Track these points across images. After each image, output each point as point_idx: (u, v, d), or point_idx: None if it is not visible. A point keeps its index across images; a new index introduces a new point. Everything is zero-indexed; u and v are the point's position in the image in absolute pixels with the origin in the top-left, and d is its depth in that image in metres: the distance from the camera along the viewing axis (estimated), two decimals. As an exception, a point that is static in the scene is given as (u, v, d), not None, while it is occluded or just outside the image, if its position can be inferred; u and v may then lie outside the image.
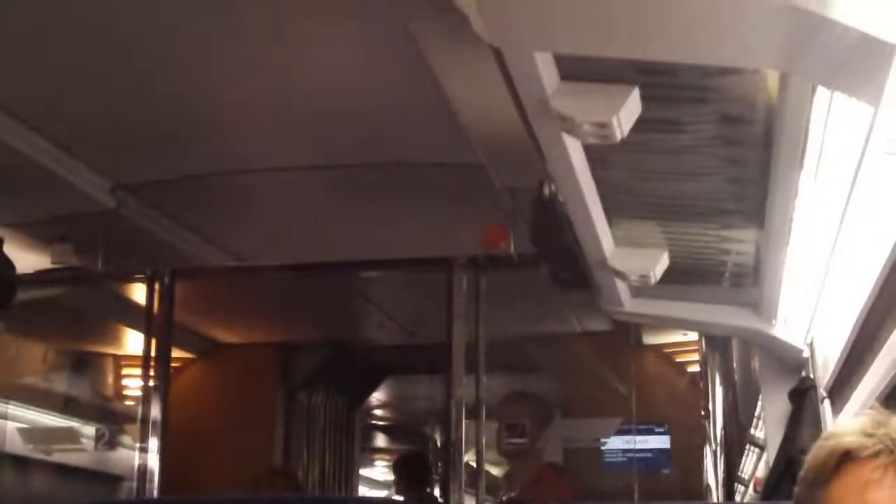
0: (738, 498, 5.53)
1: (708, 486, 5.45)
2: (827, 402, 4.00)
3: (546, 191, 3.37)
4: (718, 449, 5.39)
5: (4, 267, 4.49)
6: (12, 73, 3.71)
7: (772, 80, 2.00)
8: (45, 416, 6.16)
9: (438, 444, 9.92)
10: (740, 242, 3.14)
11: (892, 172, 2.43)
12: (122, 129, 4.23)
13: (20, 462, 5.95)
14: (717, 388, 5.35)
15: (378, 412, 10.30)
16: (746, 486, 5.62)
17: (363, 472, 10.55)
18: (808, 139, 2.21)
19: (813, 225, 2.90)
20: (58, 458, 5.93)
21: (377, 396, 9.43)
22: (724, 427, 5.42)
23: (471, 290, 5.25)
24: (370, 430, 10.54)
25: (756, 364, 4.54)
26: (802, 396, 4.03)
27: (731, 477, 5.43)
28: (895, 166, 2.40)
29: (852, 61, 1.51)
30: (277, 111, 4.02)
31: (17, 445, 5.69)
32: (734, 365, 5.20)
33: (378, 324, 7.15)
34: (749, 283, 3.56)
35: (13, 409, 5.86)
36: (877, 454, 1.62)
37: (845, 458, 1.66)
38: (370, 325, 7.31)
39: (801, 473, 1.75)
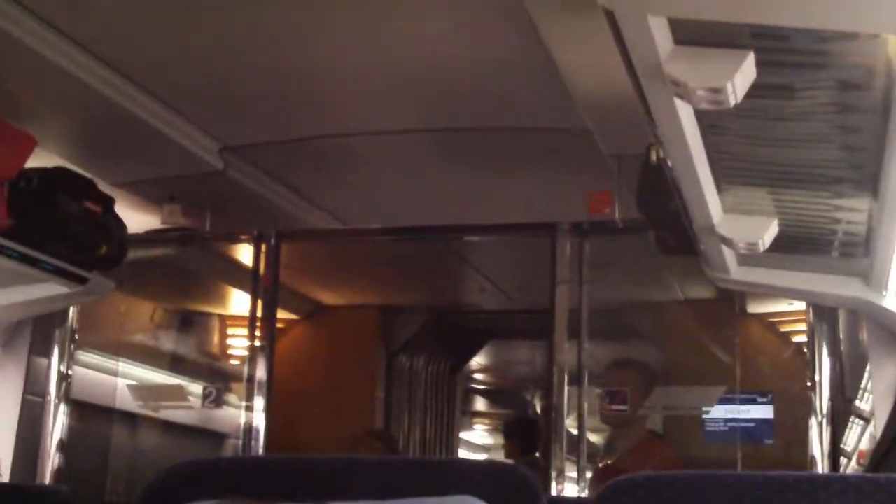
0: (841, 471, 5.46)
1: (812, 457, 5.37)
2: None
3: (654, 156, 3.33)
4: (823, 420, 5.32)
5: (115, 227, 4.58)
6: (124, 35, 3.77)
7: (892, 45, 1.96)
8: (154, 373, 6.29)
9: (538, 409, 9.94)
10: (852, 211, 3.08)
11: None
12: (231, 92, 4.28)
13: (130, 418, 6.08)
14: (824, 358, 5.27)
15: (478, 376, 10.35)
16: (849, 459, 5.54)
17: (463, 435, 10.62)
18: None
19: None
20: (165, 414, 6.05)
21: (478, 361, 9.47)
22: (830, 398, 5.34)
23: (574, 256, 5.24)
24: (470, 393, 10.60)
25: (864, 335, 4.47)
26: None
27: (836, 449, 5.36)
28: None
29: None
30: (384, 74, 4.03)
31: (127, 402, 5.81)
32: (841, 336, 5.12)
33: (480, 288, 7.16)
34: (860, 252, 3.50)
35: (123, 366, 5.99)
36: None
37: None
38: (472, 289, 7.33)
39: None
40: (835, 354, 5.14)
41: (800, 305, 5.52)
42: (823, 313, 5.05)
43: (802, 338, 5.56)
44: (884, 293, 3.73)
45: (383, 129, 4.58)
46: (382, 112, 4.44)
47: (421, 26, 3.64)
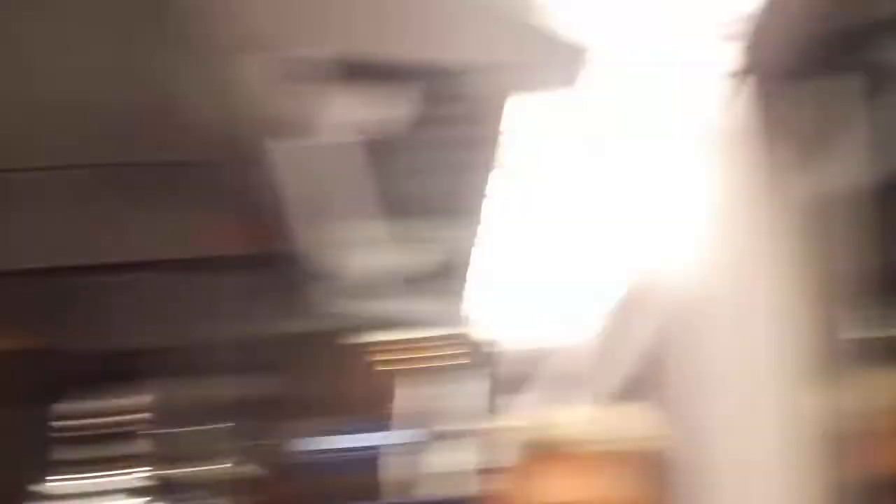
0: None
1: (417, 480, 5.64)
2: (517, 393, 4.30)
3: (276, 190, 3.43)
4: (427, 444, 5.61)
5: None
6: None
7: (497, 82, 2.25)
8: None
9: (147, 452, 9.78)
10: (446, 241, 3.40)
11: (587, 174, 2.73)
12: None
13: None
14: (428, 385, 5.56)
15: (86, 421, 10.03)
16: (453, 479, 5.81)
17: (62, 484, 10.29)
18: (514, 142, 2.47)
19: (515, 225, 3.17)
20: None
21: (89, 405, 9.21)
22: (429, 423, 5.63)
23: (195, 292, 5.30)
24: (74, 440, 10.24)
25: (456, 360, 4.79)
26: (498, 385, 4.32)
27: (436, 471, 5.63)
28: (590, 167, 2.69)
29: (549, 64, 1.77)
30: (40, 110, 4.01)
31: None
32: (439, 363, 5.44)
33: (105, 329, 7.03)
34: (454, 280, 3.84)
35: None
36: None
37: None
38: (96, 330, 7.18)
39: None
40: (433, 379, 5.46)
41: (409, 334, 5.76)
42: (430, 341, 5.36)
43: (409, 365, 5.84)
44: (473, 318, 4.09)
45: (40, 164, 4.51)
46: (40, 148, 4.39)
47: (63, 61, 3.66)
